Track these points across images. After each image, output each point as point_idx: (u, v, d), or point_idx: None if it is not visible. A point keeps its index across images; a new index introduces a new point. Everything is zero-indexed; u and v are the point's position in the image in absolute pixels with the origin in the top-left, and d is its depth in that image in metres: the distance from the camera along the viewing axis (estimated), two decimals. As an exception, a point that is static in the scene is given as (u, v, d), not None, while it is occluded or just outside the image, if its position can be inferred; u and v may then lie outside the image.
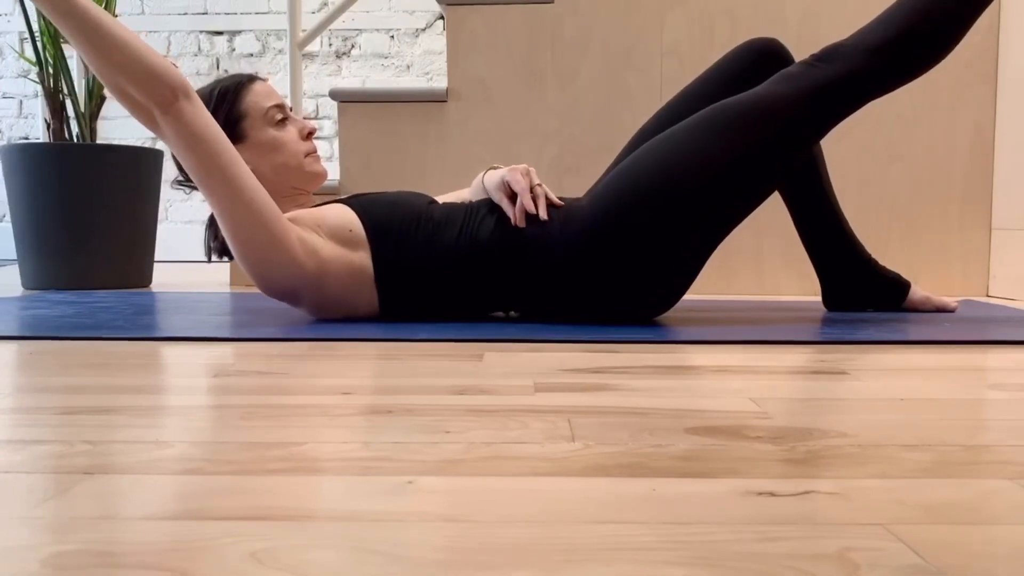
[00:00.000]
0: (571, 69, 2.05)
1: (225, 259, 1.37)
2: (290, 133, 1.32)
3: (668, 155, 1.24)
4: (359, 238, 1.27)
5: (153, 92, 1.11)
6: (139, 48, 1.10)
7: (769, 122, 1.23)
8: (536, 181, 1.30)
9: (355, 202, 1.32)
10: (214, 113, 1.27)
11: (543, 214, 1.26)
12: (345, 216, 1.28)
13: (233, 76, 1.34)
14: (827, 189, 1.49)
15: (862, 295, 1.51)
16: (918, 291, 1.52)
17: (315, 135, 1.37)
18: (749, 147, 1.23)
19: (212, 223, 1.35)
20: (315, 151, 1.35)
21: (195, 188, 1.30)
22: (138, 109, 1.13)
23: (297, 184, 1.33)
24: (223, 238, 1.31)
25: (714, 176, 1.23)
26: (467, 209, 1.33)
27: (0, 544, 0.42)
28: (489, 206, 1.32)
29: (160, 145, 3.66)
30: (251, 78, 1.34)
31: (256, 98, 1.31)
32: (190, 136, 1.14)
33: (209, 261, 1.38)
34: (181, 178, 1.32)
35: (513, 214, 1.27)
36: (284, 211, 1.33)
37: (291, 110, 1.36)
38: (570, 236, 1.26)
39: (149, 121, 1.15)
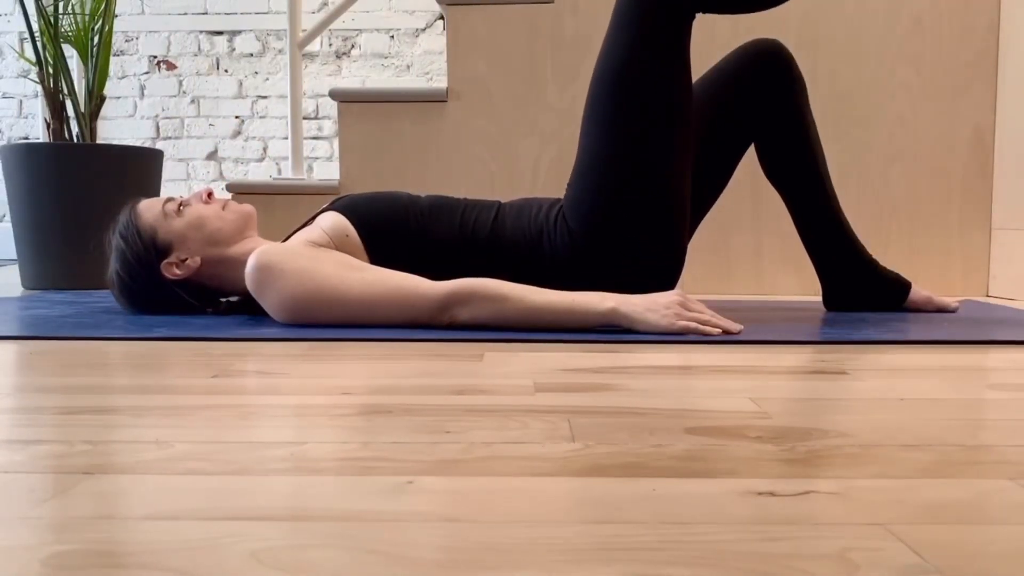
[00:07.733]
0: (571, 69, 2.04)
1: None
2: (196, 208, 1.37)
3: (594, 139, 1.30)
4: (355, 240, 1.30)
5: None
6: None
7: (636, 58, 1.28)
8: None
9: (338, 206, 1.34)
10: (156, 260, 1.34)
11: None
12: (339, 222, 1.31)
13: (120, 227, 1.37)
14: (827, 188, 1.48)
15: (863, 295, 1.51)
16: (919, 291, 1.52)
17: (213, 194, 1.40)
18: (643, 97, 1.28)
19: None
20: (226, 201, 1.40)
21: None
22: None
23: (238, 232, 1.37)
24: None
25: (633, 134, 1.27)
26: (460, 201, 1.37)
27: (0, 544, 0.42)
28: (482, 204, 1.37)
29: (160, 145, 3.66)
30: (132, 207, 1.38)
31: (148, 215, 1.36)
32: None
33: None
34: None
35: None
36: (246, 250, 1.35)
37: (183, 197, 1.40)
38: (556, 234, 1.31)
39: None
